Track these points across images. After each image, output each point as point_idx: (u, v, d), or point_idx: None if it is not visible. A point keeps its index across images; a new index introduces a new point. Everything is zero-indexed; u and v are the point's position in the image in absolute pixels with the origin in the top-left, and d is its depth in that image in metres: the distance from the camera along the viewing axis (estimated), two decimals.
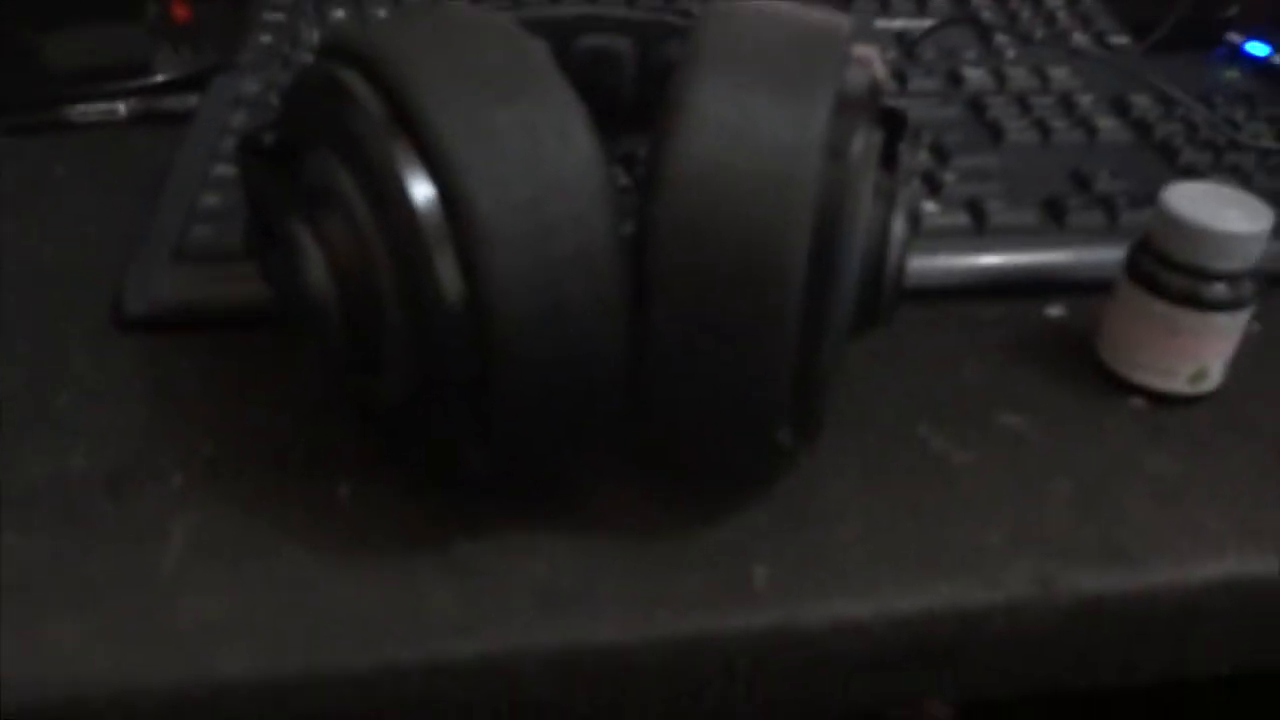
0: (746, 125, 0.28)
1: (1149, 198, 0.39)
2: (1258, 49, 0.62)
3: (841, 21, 0.31)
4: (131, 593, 0.30)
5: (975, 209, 0.45)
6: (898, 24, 0.63)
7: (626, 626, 0.30)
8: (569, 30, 0.42)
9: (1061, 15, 0.64)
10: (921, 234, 0.44)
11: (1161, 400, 0.38)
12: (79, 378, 0.37)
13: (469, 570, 0.31)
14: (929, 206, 0.45)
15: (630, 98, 0.43)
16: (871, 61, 0.31)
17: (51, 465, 0.34)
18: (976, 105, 0.53)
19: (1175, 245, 0.37)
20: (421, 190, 0.27)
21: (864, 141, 0.29)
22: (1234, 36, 0.64)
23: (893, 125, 0.32)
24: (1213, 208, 0.36)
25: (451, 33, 0.30)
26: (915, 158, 0.48)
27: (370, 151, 0.27)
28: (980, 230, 0.45)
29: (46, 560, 0.31)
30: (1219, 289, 0.36)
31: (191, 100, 0.53)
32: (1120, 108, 0.54)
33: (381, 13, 0.60)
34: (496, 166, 0.27)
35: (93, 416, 0.36)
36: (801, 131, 0.28)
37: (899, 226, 0.31)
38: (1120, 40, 0.63)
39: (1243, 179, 0.48)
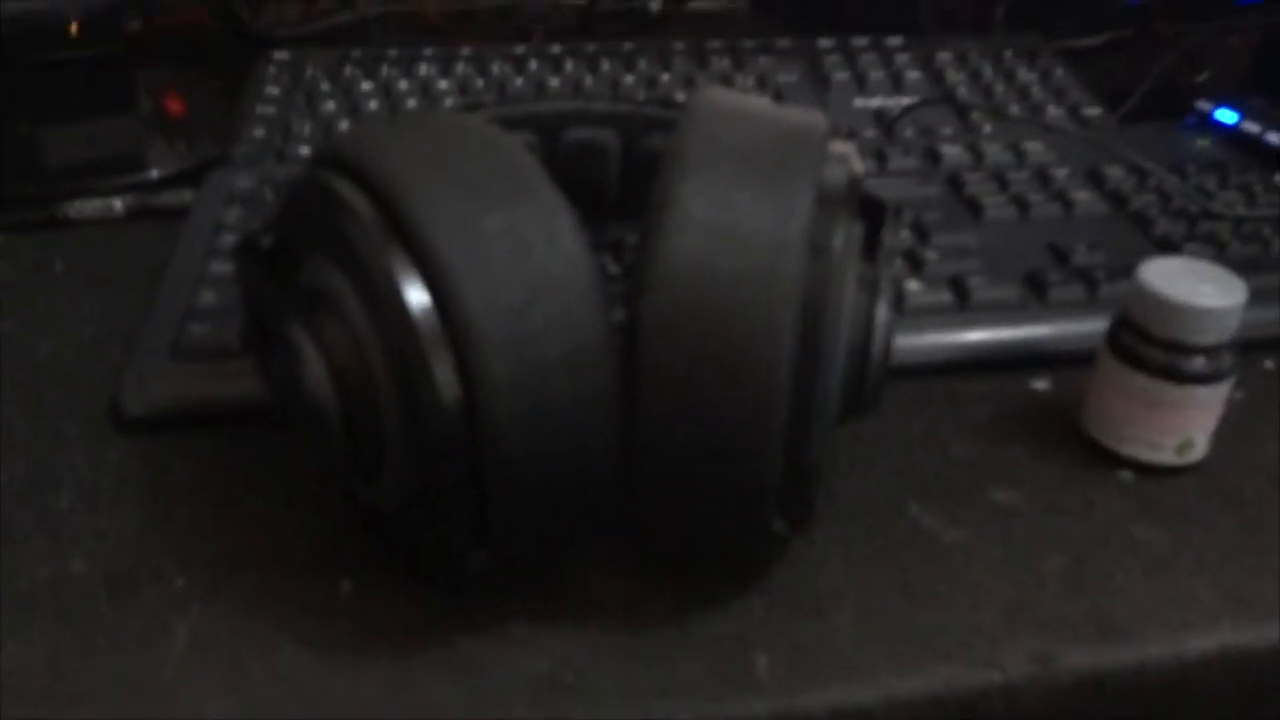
0: (730, 223, 0.29)
1: (1127, 269, 0.40)
2: (1226, 116, 0.64)
3: (819, 119, 0.32)
4: (133, 695, 0.30)
5: (958, 286, 0.46)
6: (875, 102, 0.64)
7: (628, 717, 0.30)
8: (556, 124, 0.43)
9: (1035, 89, 0.66)
10: (905, 313, 0.45)
11: (1149, 472, 0.39)
12: (78, 479, 0.38)
13: (470, 665, 0.31)
14: (912, 285, 0.46)
15: (616, 187, 0.44)
16: (849, 156, 0.32)
17: (51, 569, 0.34)
18: (955, 182, 0.54)
19: (1153, 321, 0.37)
20: (416, 295, 0.27)
21: (845, 235, 0.30)
22: (1203, 104, 0.66)
23: (873, 215, 0.33)
24: (1188, 283, 0.37)
25: (441, 141, 0.31)
26: (897, 236, 0.49)
27: (365, 257, 0.28)
28: (963, 307, 0.45)
29: (46, 665, 0.31)
30: (1198, 362, 0.37)
31: (187, 196, 0.54)
32: (1095, 180, 0.55)
33: (373, 105, 0.61)
34: (487, 271, 0.28)
35: (92, 518, 0.36)
36: (784, 229, 0.29)
37: (882, 314, 0.32)
38: (1093, 112, 0.64)
39: (1218, 247, 0.50)
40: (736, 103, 0.32)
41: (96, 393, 0.42)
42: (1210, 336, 0.37)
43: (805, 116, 0.33)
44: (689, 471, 0.29)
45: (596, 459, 0.29)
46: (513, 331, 0.27)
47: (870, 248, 0.33)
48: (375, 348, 0.29)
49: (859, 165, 0.32)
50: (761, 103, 0.33)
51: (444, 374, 0.27)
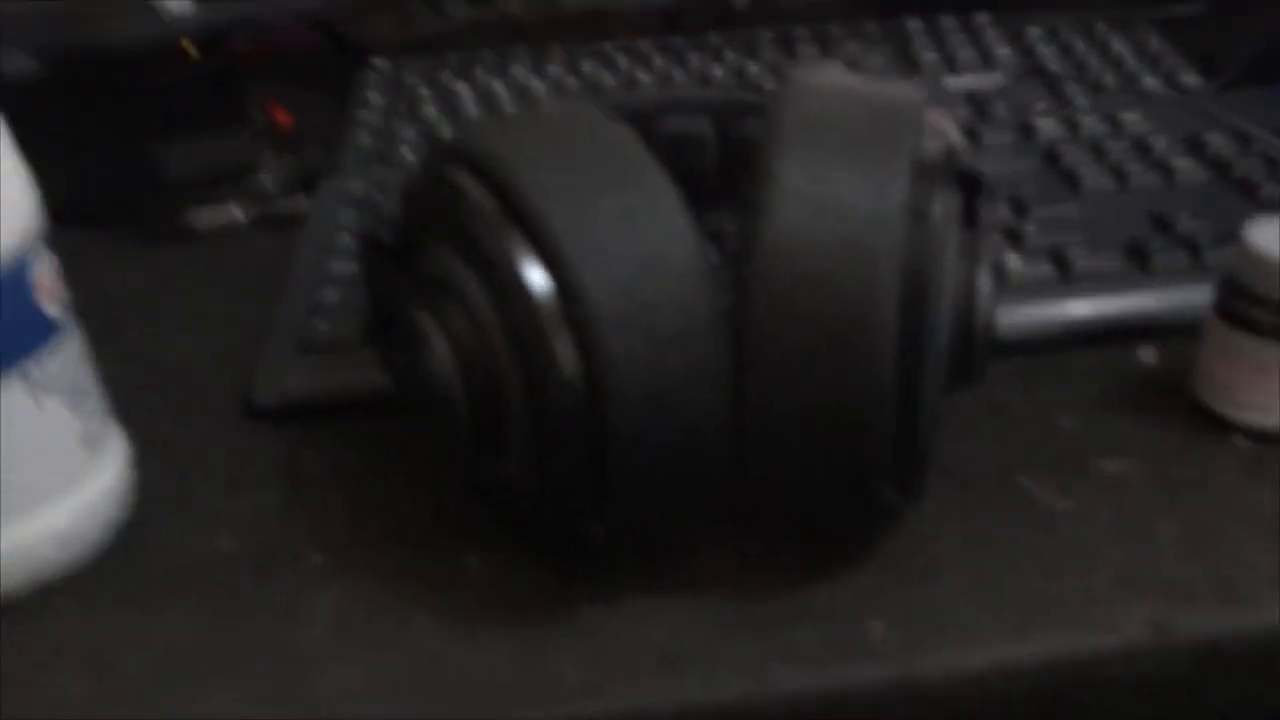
0: (830, 197, 0.30)
1: (1231, 235, 0.40)
2: None
3: (914, 91, 0.33)
4: (281, 664, 0.32)
5: (1058, 258, 0.46)
6: (966, 80, 0.64)
7: (747, 684, 0.31)
8: (652, 114, 0.44)
9: (1129, 60, 0.65)
10: (1007, 287, 0.45)
11: (1262, 437, 0.39)
12: (217, 467, 0.40)
13: (593, 634, 0.33)
14: (1012, 259, 0.46)
15: (713, 175, 0.45)
16: (945, 128, 0.32)
17: (200, 549, 0.37)
18: (1051, 155, 0.54)
19: (1260, 281, 0.37)
20: (537, 279, 0.29)
21: (943, 204, 0.30)
22: None
23: (971, 186, 0.34)
24: None
25: (550, 130, 0.32)
26: (995, 212, 0.49)
27: (486, 244, 0.30)
28: (1065, 278, 0.45)
29: (203, 636, 0.33)
30: None
31: (301, 202, 0.56)
32: (1196, 147, 0.54)
33: (471, 108, 0.63)
34: (601, 252, 0.29)
35: (233, 502, 0.38)
36: (883, 199, 0.29)
37: (984, 282, 0.33)
38: (1191, 80, 0.63)
39: None
40: (831, 79, 0.33)
41: (230, 388, 0.44)
42: None
43: (900, 89, 0.33)
44: (799, 441, 0.30)
45: (709, 431, 0.30)
46: (627, 310, 0.29)
47: (969, 218, 0.33)
48: (498, 330, 0.30)
49: (956, 136, 0.32)
50: (856, 78, 0.34)
51: (564, 351, 0.29)
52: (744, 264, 0.29)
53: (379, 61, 0.70)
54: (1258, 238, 0.37)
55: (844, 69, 0.36)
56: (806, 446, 0.30)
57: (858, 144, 0.30)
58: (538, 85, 0.65)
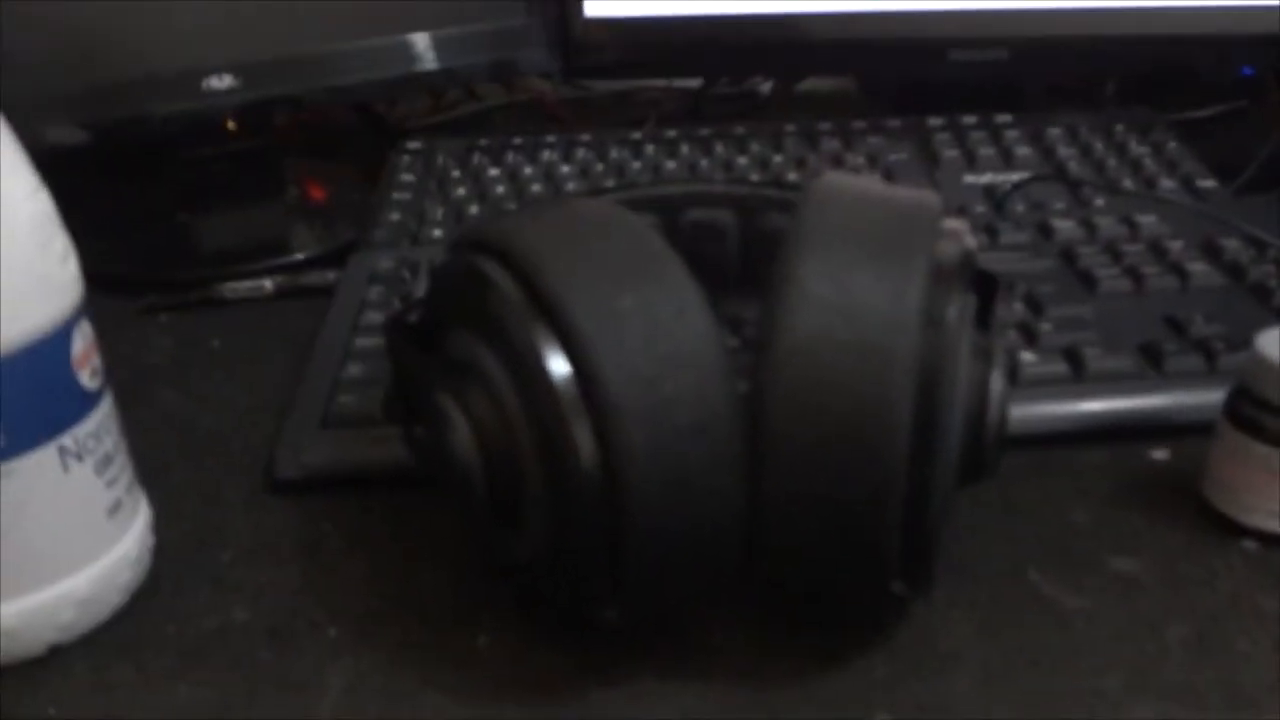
0: (849, 299, 0.30)
1: (1246, 340, 0.40)
2: None
3: (932, 197, 0.34)
4: None
5: (1073, 356, 0.47)
6: (985, 179, 0.65)
7: None
8: (677, 206, 0.45)
9: (1147, 163, 0.66)
10: (1021, 383, 0.46)
11: (1274, 541, 0.39)
12: (238, 537, 0.41)
13: (600, 716, 0.33)
14: (1027, 356, 0.47)
15: (734, 264, 0.46)
16: (962, 233, 0.33)
17: (217, 619, 0.37)
18: (1068, 255, 0.55)
19: (1272, 389, 0.38)
20: (558, 367, 0.30)
21: (959, 308, 0.31)
22: None
23: (986, 288, 0.35)
24: None
25: (577, 224, 0.33)
26: (1010, 310, 0.50)
27: (511, 332, 0.31)
28: (1079, 377, 0.46)
29: (215, 703, 0.34)
30: None
31: (330, 275, 0.58)
32: (1211, 252, 0.55)
33: (500, 190, 0.65)
34: (623, 345, 0.30)
35: (252, 573, 0.39)
36: (899, 304, 0.30)
37: (997, 383, 0.33)
38: (1208, 184, 0.64)
39: None
40: (852, 185, 0.34)
41: (253, 458, 0.45)
42: None
43: (919, 195, 0.34)
44: (812, 534, 0.31)
45: (725, 521, 0.31)
46: (647, 401, 0.29)
47: (984, 319, 0.34)
48: (519, 414, 0.31)
49: (971, 241, 0.33)
50: (876, 184, 0.35)
51: (584, 439, 0.29)
52: (762, 364, 0.30)
53: (411, 142, 0.72)
54: (1270, 346, 0.38)
55: (868, 173, 0.37)
56: (817, 537, 0.31)
57: (877, 248, 0.31)
58: (566, 170, 0.67)
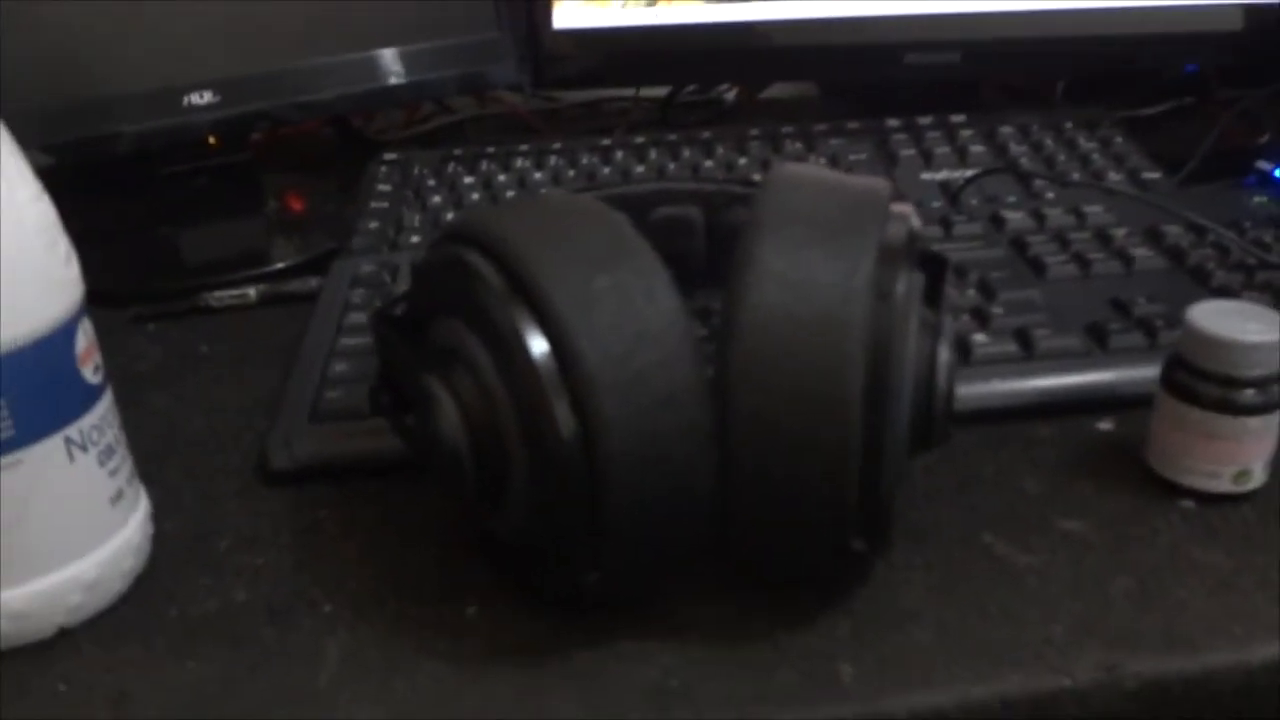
0: (804, 277, 0.33)
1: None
2: None
3: (881, 183, 0.37)
4: (297, 705, 0.35)
5: (1023, 337, 0.49)
6: (941, 175, 0.68)
7: (731, 718, 0.34)
8: (646, 203, 0.48)
9: (1095, 157, 0.69)
10: (975, 362, 0.48)
11: (1210, 500, 0.42)
12: (235, 526, 0.43)
13: (586, 675, 0.35)
14: (980, 338, 0.49)
15: (701, 258, 0.48)
16: (908, 215, 0.36)
17: (218, 600, 0.39)
18: (1018, 244, 0.58)
19: (1204, 358, 0.40)
20: (538, 345, 0.32)
21: (906, 283, 0.34)
22: (1263, 164, 0.69)
23: (934, 267, 0.37)
24: (1235, 322, 0.40)
25: (552, 215, 0.35)
26: (963, 295, 0.53)
27: (492, 314, 0.33)
28: (1029, 356, 0.49)
29: (221, 675, 0.36)
30: (1248, 395, 0.40)
31: (312, 282, 0.60)
32: (1154, 238, 0.58)
33: (475, 197, 0.67)
34: (598, 325, 0.32)
35: (249, 558, 0.41)
36: (850, 279, 0.33)
37: (944, 355, 0.36)
38: (1153, 176, 0.67)
39: (1275, 295, 0.52)
40: (807, 174, 0.37)
41: (245, 454, 0.47)
42: (1258, 370, 0.40)
43: (868, 182, 0.37)
44: (776, 497, 0.33)
45: (695, 487, 0.33)
46: (620, 376, 0.32)
47: (933, 297, 0.37)
48: (502, 393, 0.33)
49: (917, 222, 0.36)
50: (830, 173, 0.38)
51: (563, 413, 0.32)
52: (726, 338, 0.33)
53: (389, 154, 0.74)
54: (1202, 318, 0.41)
55: (823, 165, 0.40)
56: (783, 500, 0.33)
57: (830, 229, 0.34)
58: (538, 176, 0.69)
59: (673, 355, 0.33)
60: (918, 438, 0.36)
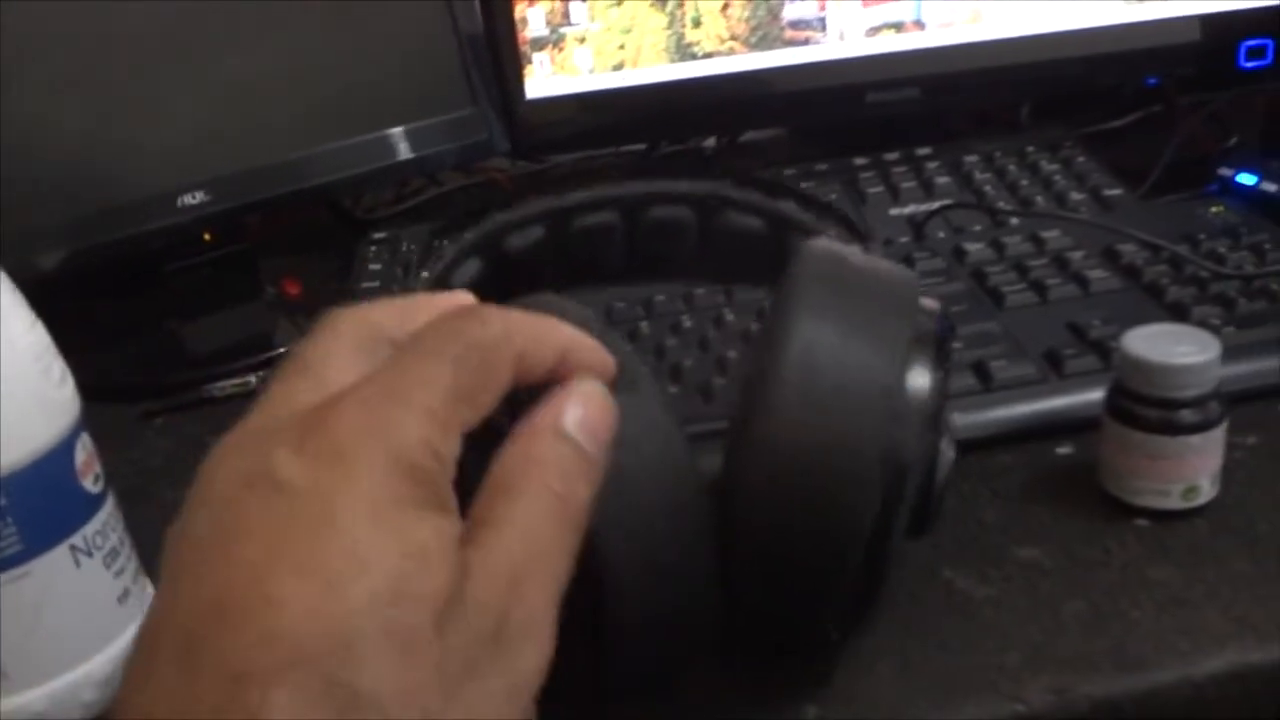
0: (827, 386, 0.32)
1: None
2: (1247, 179, 0.68)
3: (909, 275, 0.37)
4: None
5: (980, 370, 0.51)
6: (908, 210, 0.70)
7: None
8: (639, 204, 0.47)
9: (1058, 179, 0.71)
10: None
11: (1162, 517, 0.43)
12: None
13: None
14: None
15: (694, 260, 0.47)
16: (934, 309, 0.35)
17: None
18: (978, 275, 0.60)
19: (1141, 383, 0.42)
20: None
21: (928, 386, 0.33)
22: (1226, 171, 0.70)
23: (944, 360, 0.36)
24: (1168, 345, 0.42)
25: None
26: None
27: (492, 426, 0.34)
28: (988, 387, 0.51)
29: None
30: (1186, 415, 0.42)
31: None
32: (1111, 258, 0.60)
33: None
34: None
35: None
36: (871, 399, 0.32)
37: (948, 451, 0.36)
38: (1115, 192, 0.69)
39: (1226, 306, 0.54)
40: (841, 255, 0.36)
41: None
42: (1193, 390, 0.41)
43: (898, 273, 0.36)
44: (771, 607, 0.34)
45: (697, 589, 0.33)
46: (618, 487, 0.31)
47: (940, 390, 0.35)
48: None
49: (947, 323, 0.36)
50: (861, 256, 0.37)
51: None
52: (735, 449, 0.33)
53: (378, 233, 0.77)
54: (1135, 345, 0.43)
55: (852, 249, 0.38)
56: (777, 611, 0.34)
57: (860, 326, 0.33)
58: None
59: (670, 477, 0.32)
60: (910, 533, 0.36)
